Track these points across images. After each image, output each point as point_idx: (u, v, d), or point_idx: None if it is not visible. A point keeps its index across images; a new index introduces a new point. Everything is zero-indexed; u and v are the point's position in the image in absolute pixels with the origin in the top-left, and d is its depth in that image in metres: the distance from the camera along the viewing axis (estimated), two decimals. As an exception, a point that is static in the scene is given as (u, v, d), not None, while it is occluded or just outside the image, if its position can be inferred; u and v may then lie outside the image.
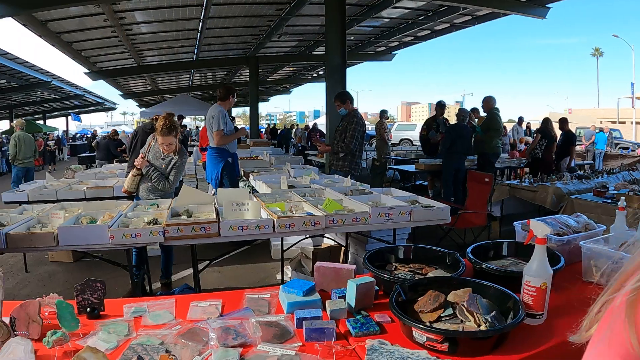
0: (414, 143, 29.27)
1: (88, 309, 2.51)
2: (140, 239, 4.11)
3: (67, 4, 12.01)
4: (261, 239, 6.02)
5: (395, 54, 23.80)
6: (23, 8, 11.86)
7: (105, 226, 4.15)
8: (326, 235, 6.12)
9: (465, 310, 2.18)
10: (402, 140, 30.27)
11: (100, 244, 4.18)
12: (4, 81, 28.11)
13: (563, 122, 12.52)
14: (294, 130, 28.64)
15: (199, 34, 17.53)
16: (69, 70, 37.13)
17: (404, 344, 2.09)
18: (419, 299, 2.35)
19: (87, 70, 21.50)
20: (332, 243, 6.49)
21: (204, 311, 2.50)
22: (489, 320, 2.09)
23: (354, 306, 2.42)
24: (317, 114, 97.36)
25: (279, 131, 30.08)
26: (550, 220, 3.27)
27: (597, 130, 22.01)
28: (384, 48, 22.98)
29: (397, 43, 21.90)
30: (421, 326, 2.05)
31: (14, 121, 17.18)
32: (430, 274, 2.78)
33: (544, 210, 8.06)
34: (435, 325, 2.15)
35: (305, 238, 6.32)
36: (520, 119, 20.30)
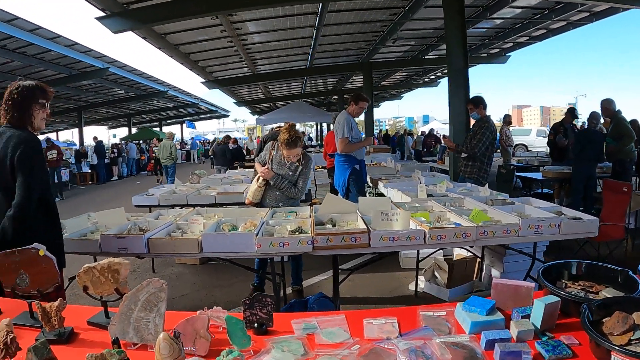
0: (529, 148, 28.39)
1: (256, 325, 2.44)
2: (288, 248, 4.07)
3: (186, 17, 12.35)
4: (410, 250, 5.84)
5: (509, 56, 23.13)
6: (144, 22, 12.36)
7: (251, 235, 4.14)
8: (459, 247, 5.91)
9: None
10: (516, 145, 29.38)
11: (246, 252, 4.18)
12: (123, 91, 29.70)
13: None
14: (406, 136, 28.30)
15: (312, 41, 17.67)
16: (183, 80, 38.62)
17: None
18: (604, 320, 2.18)
19: (203, 80, 22.14)
20: (465, 253, 6.27)
21: (381, 329, 2.39)
22: None
23: (539, 327, 2.26)
24: (426, 120, 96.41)
25: (391, 137, 29.95)
26: None
27: None
28: (497, 50, 22.38)
29: (512, 44, 21.29)
30: (624, 350, 1.89)
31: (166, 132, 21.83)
32: (602, 293, 2.58)
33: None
34: (626, 348, 1.96)
35: (439, 249, 6.15)
36: None
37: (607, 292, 2.59)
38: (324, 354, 2.16)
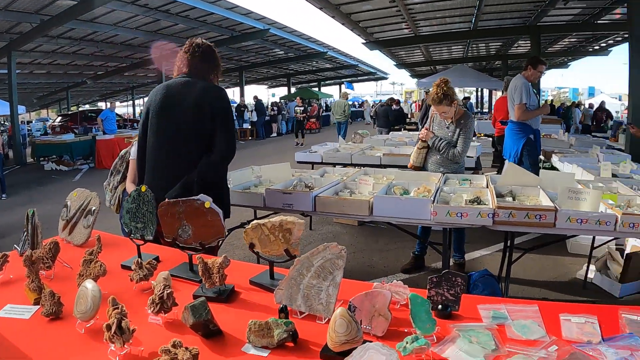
0: None
1: (440, 306, 2.22)
2: (466, 219, 3.85)
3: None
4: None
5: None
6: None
7: (428, 201, 3.98)
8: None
9: None
10: None
11: (420, 219, 4.04)
12: (282, 52, 30.41)
13: None
14: (574, 108, 26.74)
15: (478, 1, 16.90)
16: (343, 41, 38.76)
17: None
18: None
19: (364, 41, 22.02)
20: (640, 245, 5.68)
21: (581, 330, 2.08)
22: None
23: None
24: (591, 92, 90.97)
25: (556, 108, 28.49)
26: None
27: None
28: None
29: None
30: None
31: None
32: None
33: None
34: None
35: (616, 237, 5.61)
36: None
37: None
38: (517, 351, 1.89)
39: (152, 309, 2.05)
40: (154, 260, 2.54)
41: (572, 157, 6.99)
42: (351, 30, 19.90)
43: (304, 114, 24.33)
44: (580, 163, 6.28)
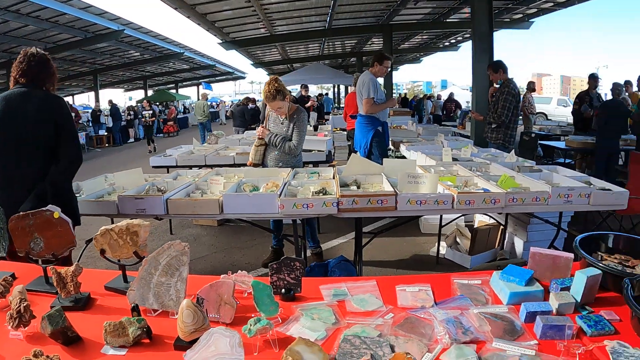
0: (549, 117, 28.08)
1: (283, 290, 2.37)
2: (312, 209, 3.99)
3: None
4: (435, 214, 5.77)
5: (533, 22, 22.62)
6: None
7: (274, 195, 4.07)
8: (488, 214, 5.80)
9: None
10: (537, 114, 29.03)
11: (269, 213, 4.12)
12: (138, 54, 29.64)
13: None
14: (425, 100, 27.92)
15: (332, 1, 17.29)
16: (200, 41, 38.33)
17: None
18: None
19: (220, 41, 21.92)
20: (486, 220, 6.16)
21: (415, 297, 2.30)
22: None
23: (579, 300, 2.17)
24: (444, 84, 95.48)
25: (409, 100, 29.59)
26: None
27: None
28: (521, 15, 21.87)
29: (536, 10, 20.76)
30: None
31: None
32: (638, 267, 2.47)
33: None
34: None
35: (462, 215, 6.05)
36: None
37: None
38: (356, 322, 2.08)
39: (11, 324, 2.01)
40: (9, 277, 2.46)
41: (419, 146, 7.40)
42: (207, 30, 19.71)
43: (153, 118, 23.72)
44: (426, 150, 6.68)
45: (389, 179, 4.51)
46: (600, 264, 2.37)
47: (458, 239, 6.11)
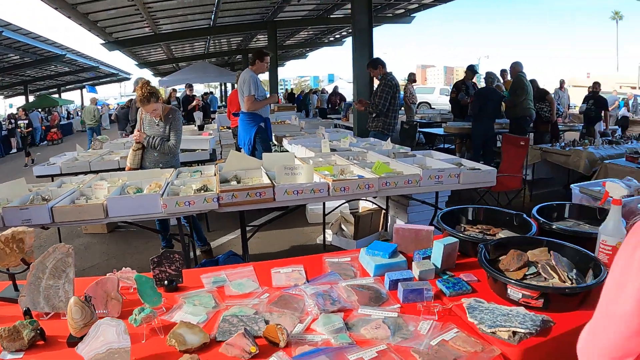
0: (432, 106, 29.01)
1: (166, 282, 2.46)
2: (194, 206, 4.05)
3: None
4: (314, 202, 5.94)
5: (414, 17, 23.33)
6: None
7: (157, 195, 4.10)
8: (363, 198, 6.04)
9: (549, 268, 2.22)
10: (420, 103, 29.97)
11: (152, 213, 4.13)
12: (18, 57, 28.11)
13: (597, 85, 12.51)
14: (311, 95, 28.22)
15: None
16: (82, 42, 37.12)
17: (497, 301, 2.11)
18: (501, 259, 2.38)
19: (103, 41, 21.33)
20: (370, 206, 6.42)
21: (289, 277, 2.45)
22: (574, 277, 2.17)
23: (439, 266, 2.39)
24: (331, 79, 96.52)
25: (296, 96, 29.83)
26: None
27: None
28: (403, 10, 22.51)
29: (417, 5, 21.43)
30: (519, 283, 2.09)
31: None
32: (499, 235, 2.75)
33: (575, 174, 8.09)
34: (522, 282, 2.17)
35: (345, 202, 6.26)
36: (562, 82, 18.76)
37: (503, 234, 2.75)
38: (234, 304, 2.21)
39: None
40: None
41: (301, 139, 7.59)
42: (89, 30, 19.12)
43: (30, 129, 22.69)
44: (307, 143, 6.87)
45: (267, 173, 4.64)
46: (460, 234, 2.60)
47: (343, 226, 6.32)
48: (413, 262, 2.41)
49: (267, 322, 1.98)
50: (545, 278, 2.19)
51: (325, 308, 2.05)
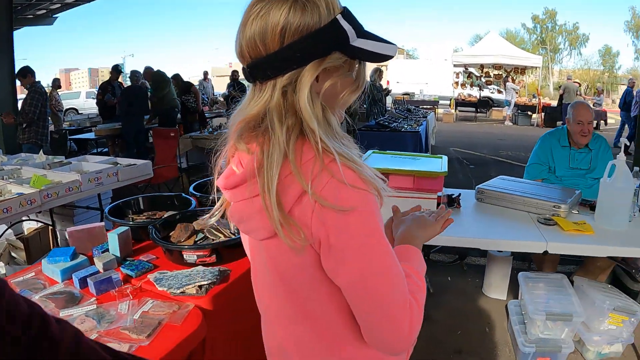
0: (80, 111, 28.19)
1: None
2: None
3: None
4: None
5: (57, 17, 22.09)
6: None
7: None
8: (25, 219, 5.83)
9: (214, 230, 2.66)
10: (68, 110, 28.80)
11: None
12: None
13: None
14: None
15: None
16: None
17: (178, 269, 2.44)
18: (171, 234, 2.74)
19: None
20: (35, 226, 6.22)
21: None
22: (236, 231, 2.58)
23: (119, 255, 2.60)
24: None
25: None
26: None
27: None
28: (45, 11, 21.16)
29: (60, 5, 20.28)
30: (191, 246, 2.51)
31: None
32: (166, 216, 3.09)
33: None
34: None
35: (8, 228, 5.97)
36: (205, 73, 19.64)
37: (169, 214, 3.11)
38: None
39: None
40: None
41: None
42: None
43: None
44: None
45: None
46: (130, 223, 2.89)
47: (14, 254, 6.00)
48: (94, 258, 2.56)
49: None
50: (212, 240, 2.61)
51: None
